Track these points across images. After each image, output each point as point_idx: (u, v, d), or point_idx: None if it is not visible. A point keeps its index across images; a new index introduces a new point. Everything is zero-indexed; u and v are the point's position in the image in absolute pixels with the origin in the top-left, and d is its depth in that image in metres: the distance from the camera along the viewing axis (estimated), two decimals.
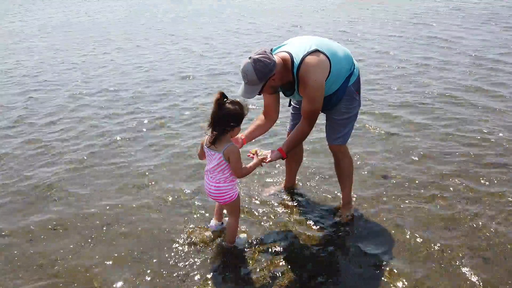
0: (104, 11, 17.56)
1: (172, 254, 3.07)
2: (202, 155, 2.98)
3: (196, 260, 3.00)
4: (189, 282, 2.80)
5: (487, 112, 5.24)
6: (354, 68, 3.03)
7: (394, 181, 3.85)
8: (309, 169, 4.11)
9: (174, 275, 2.87)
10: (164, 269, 2.92)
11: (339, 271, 2.92)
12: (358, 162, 4.12)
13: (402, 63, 7.62)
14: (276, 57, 2.79)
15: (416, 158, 4.23)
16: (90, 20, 15.32)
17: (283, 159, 3.04)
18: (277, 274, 2.83)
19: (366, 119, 5.17)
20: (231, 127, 2.71)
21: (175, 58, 9.01)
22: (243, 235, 3.19)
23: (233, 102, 2.68)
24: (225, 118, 2.65)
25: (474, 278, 2.71)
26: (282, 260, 2.96)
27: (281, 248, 3.07)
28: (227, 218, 3.20)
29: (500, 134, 4.63)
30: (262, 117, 3.25)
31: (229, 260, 2.99)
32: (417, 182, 3.82)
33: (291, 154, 3.21)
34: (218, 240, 3.17)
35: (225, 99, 2.65)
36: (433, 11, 13.09)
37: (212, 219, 3.33)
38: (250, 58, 2.68)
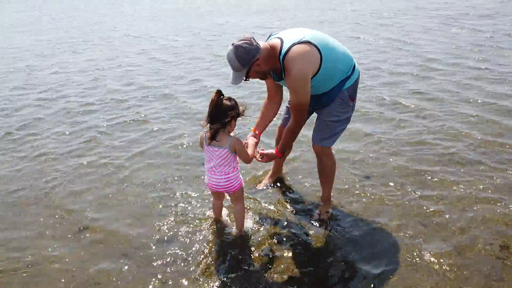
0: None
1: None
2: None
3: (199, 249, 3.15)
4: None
5: (455, 109, 5.43)
6: (352, 73, 2.99)
7: (375, 180, 3.93)
8: (297, 161, 4.27)
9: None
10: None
11: (312, 263, 2.97)
12: (341, 162, 4.19)
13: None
14: (264, 43, 2.81)
15: (396, 157, 4.34)
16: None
17: (278, 158, 3.27)
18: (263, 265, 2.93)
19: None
20: (229, 120, 2.81)
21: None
22: (248, 221, 3.36)
23: (230, 99, 2.81)
24: (223, 112, 2.75)
25: (449, 274, 2.80)
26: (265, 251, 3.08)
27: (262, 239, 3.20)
28: (224, 212, 3.41)
29: (473, 131, 4.78)
30: (266, 103, 3.33)
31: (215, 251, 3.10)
32: (396, 180, 3.91)
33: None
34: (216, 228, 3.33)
35: (221, 96, 2.76)
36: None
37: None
38: (232, 44, 2.72)
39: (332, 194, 3.60)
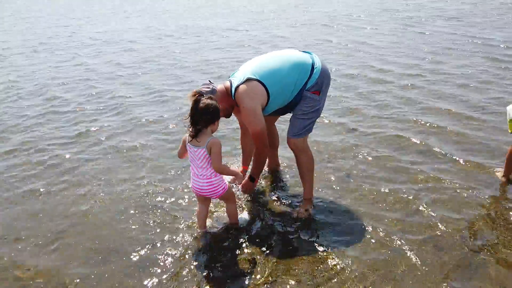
0: None
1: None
2: (182, 153, 3.08)
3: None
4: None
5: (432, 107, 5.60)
6: (311, 74, 3.22)
7: (355, 178, 4.00)
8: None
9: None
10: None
11: (290, 257, 3.03)
12: (323, 161, 4.29)
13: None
14: (220, 85, 3.26)
15: (375, 154, 4.44)
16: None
17: (254, 185, 3.60)
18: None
19: (329, 116, 5.40)
20: (212, 120, 2.88)
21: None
22: (244, 214, 3.45)
23: (210, 98, 2.87)
24: (205, 111, 2.81)
25: (426, 265, 2.89)
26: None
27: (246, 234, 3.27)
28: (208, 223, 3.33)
29: (449, 128, 4.91)
30: (242, 137, 3.80)
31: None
32: (375, 177, 4.00)
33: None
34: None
35: (201, 96, 2.85)
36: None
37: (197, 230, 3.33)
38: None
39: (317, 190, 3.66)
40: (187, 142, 2.98)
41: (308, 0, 17.88)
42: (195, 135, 2.88)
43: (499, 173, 3.90)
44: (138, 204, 3.78)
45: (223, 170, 3.05)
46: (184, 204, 3.72)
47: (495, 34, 9.58)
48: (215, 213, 3.53)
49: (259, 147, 3.33)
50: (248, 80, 3.17)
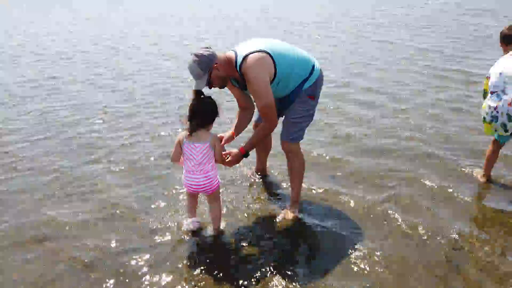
0: None
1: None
2: (178, 155, 3.07)
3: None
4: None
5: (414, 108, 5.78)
6: (310, 74, 3.21)
7: (341, 179, 4.07)
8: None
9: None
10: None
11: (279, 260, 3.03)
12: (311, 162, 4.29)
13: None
14: (222, 54, 3.08)
15: (363, 154, 4.56)
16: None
17: (245, 157, 3.26)
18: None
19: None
20: (213, 118, 2.99)
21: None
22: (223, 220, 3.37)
23: (210, 97, 2.98)
24: (207, 109, 2.94)
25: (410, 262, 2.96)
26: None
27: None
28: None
29: (434, 130, 5.12)
30: (239, 112, 3.55)
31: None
32: (363, 178, 4.08)
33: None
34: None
35: (202, 95, 2.96)
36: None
37: (187, 219, 3.33)
38: (192, 53, 3.01)
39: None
40: (184, 141, 2.99)
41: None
42: (193, 131, 2.93)
43: (478, 174, 4.01)
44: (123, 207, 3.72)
45: (223, 160, 3.17)
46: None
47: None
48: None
49: (268, 120, 3.16)
50: (261, 51, 3.02)
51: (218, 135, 3.26)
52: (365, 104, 6.28)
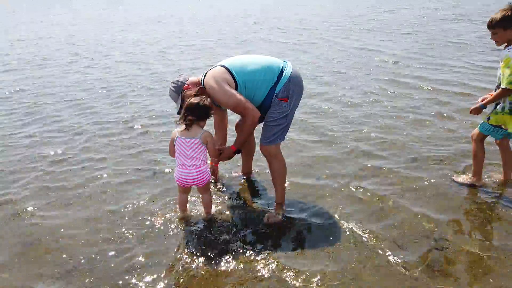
0: None
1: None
2: (173, 152, 3.31)
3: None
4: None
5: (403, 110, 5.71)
6: (280, 78, 3.33)
7: (324, 182, 4.05)
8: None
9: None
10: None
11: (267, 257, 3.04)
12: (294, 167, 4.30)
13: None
14: (195, 77, 3.49)
15: (349, 156, 4.55)
16: None
17: (237, 153, 3.53)
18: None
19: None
20: (206, 115, 3.23)
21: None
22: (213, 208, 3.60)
23: (206, 97, 3.24)
24: (201, 106, 3.18)
25: (393, 260, 2.94)
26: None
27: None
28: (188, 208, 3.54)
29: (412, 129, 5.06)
30: (218, 124, 3.91)
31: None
32: (344, 178, 4.07)
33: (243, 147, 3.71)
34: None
35: (197, 95, 3.20)
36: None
37: (179, 215, 3.51)
38: (170, 82, 3.50)
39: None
40: (176, 136, 3.23)
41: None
42: (189, 125, 3.16)
43: (462, 178, 3.96)
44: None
45: (217, 155, 3.43)
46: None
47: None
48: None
49: (244, 115, 3.39)
50: (217, 66, 3.41)
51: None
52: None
